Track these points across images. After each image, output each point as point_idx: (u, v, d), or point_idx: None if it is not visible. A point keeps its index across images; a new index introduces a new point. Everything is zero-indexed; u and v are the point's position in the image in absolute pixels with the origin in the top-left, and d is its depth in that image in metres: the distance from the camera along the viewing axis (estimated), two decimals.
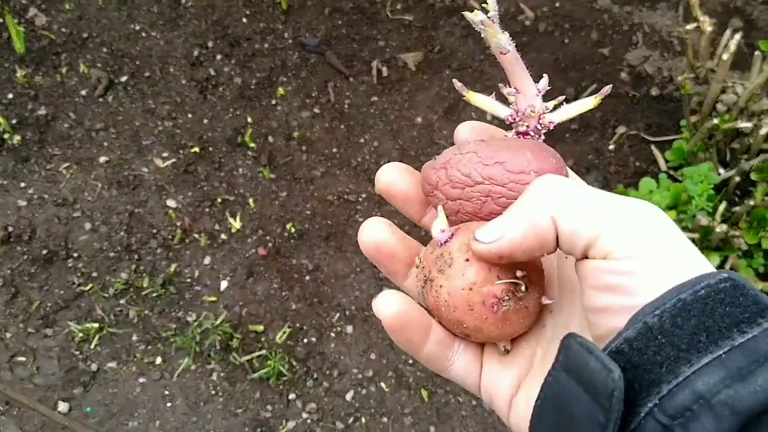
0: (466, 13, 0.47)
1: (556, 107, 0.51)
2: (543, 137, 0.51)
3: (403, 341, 0.48)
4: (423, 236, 0.54)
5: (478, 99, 0.52)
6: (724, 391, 0.34)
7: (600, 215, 0.40)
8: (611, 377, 0.34)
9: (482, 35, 0.47)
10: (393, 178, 0.52)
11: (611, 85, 0.51)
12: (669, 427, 0.34)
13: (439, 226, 0.48)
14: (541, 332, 0.49)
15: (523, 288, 0.45)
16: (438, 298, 0.46)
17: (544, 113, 0.50)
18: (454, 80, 0.55)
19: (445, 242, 0.47)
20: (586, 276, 0.41)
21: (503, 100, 0.52)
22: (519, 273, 0.45)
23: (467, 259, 0.45)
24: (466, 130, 0.52)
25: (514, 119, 0.51)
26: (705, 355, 0.35)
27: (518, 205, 0.44)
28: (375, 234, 0.51)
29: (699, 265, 0.39)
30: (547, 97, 0.51)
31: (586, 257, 0.41)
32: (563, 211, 0.41)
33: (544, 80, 0.50)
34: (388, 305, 0.46)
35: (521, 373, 0.48)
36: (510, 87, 0.50)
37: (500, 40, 0.47)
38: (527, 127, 0.51)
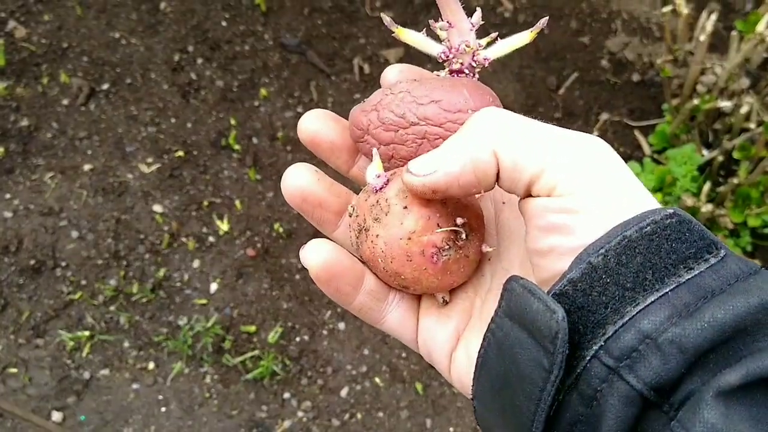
0: None
1: (489, 44, 0.48)
2: (477, 76, 0.48)
3: (332, 292, 0.45)
4: (355, 189, 0.50)
5: (408, 35, 0.48)
6: (670, 329, 0.32)
7: (544, 149, 0.37)
8: (554, 319, 0.33)
9: None
10: (317, 126, 0.47)
11: (547, 17, 0.48)
12: (615, 369, 0.33)
13: (373, 171, 0.44)
14: (480, 282, 0.47)
15: (463, 236, 0.42)
16: (374, 249, 0.43)
17: (478, 50, 0.47)
18: (382, 14, 0.51)
19: (381, 188, 0.44)
20: (531, 216, 0.38)
21: (435, 38, 0.48)
22: (460, 220, 0.42)
23: (405, 207, 0.42)
24: (393, 73, 0.48)
25: (447, 56, 0.47)
26: (651, 293, 0.34)
27: (457, 137, 0.40)
28: (300, 181, 0.46)
29: (645, 201, 0.37)
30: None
31: (530, 195, 0.38)
32: (506, 143, 0.38)
33: (478, 14, 0.47)
34: (315, 254, 0.43)
35: (460, 326, 0.46)
36: (442, 21, 0.46)
37: None
38: (461, 64, 0.47)
